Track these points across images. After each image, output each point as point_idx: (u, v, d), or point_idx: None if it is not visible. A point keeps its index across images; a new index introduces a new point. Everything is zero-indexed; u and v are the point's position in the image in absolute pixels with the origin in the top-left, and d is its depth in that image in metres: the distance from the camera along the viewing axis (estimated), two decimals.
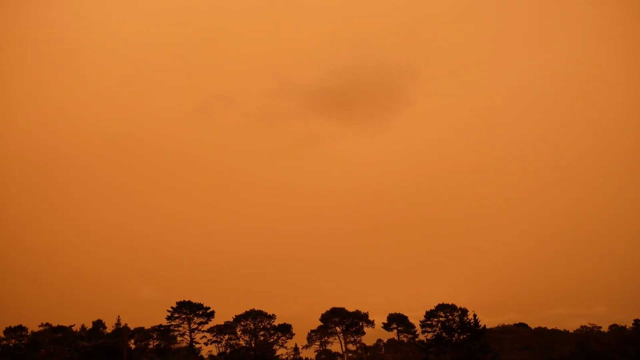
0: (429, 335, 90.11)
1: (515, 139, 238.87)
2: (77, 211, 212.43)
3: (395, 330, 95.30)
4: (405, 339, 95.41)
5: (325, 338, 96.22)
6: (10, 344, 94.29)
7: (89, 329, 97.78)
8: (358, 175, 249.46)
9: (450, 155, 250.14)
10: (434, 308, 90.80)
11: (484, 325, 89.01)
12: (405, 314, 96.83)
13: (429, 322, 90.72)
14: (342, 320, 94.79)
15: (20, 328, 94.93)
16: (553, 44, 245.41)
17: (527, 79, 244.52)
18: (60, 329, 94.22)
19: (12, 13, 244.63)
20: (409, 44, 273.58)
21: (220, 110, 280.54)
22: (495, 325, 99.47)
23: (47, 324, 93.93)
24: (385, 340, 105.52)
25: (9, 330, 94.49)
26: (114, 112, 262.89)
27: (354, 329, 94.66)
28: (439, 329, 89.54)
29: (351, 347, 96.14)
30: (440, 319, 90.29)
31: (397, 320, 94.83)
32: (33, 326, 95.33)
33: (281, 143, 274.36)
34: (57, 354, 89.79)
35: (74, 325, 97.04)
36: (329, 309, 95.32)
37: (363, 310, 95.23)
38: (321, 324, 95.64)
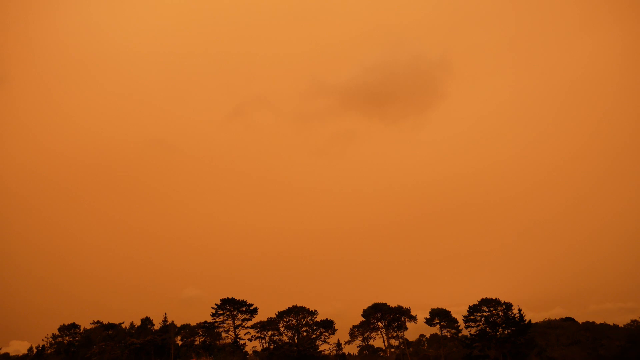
0: (473, 330, 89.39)
1: (558, 129, 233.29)
2: (122, 218, 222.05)
3: (437, 326, 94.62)
4: (448, 334, 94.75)
5: (368, 333, 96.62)
6: (65, 341, 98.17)
7: (138, 326, 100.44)
8: (395, 171, 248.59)
9: (488, 146, 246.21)
10: (477, 303, 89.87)
11: (529, 320, 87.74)
12: (447, 309, 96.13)
13: (472, 317, 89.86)
14: (383, 316, 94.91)
15: (74, 326, 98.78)
16: (595, 33, 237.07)
17: (565, 70, 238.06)
18: (111, 326, 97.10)
19: (61, 21, 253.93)
20: (442, 37, 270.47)
21: (255, 112, 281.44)
22: (541, 319, 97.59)
23: (98, 322, 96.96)
24: (427, 336, 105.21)
25: (63, 328, 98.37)
26: (151, 118, 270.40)
27: (396, 324, 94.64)
28: (483, 324, 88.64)
29: (394, 342, 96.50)
30: (484, 313, 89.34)
31: (439, 315, 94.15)
32: (85, 324, 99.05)
33: (317, 142, 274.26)
34: (108, 351, 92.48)
35: (123, 323, 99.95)
36: (370, 305, 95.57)
37: (405, 305, 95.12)
38: (363, 319, 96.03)
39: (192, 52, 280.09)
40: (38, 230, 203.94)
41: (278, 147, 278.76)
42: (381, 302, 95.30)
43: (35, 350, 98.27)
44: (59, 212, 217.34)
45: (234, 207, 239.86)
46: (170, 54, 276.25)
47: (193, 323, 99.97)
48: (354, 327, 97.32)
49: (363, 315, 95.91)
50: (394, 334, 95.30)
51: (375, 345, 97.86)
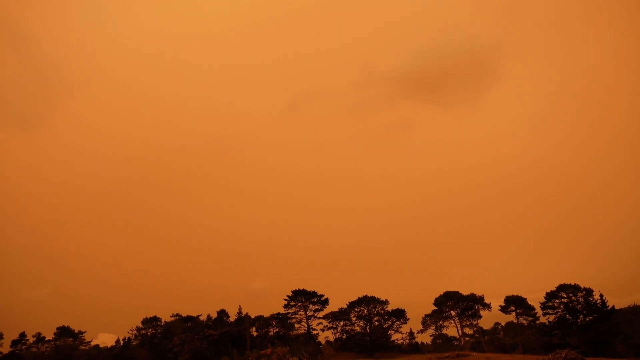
0: (551, 318, 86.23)
1: (622, 107, 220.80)
2: (190, 219, 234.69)
3: (513, 313, 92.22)
4: (525, 322, 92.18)
5: (441, 322, 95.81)
6: (148, 333, 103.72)
7: (214, 318, 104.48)
8: (453, 156, 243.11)
9: (548, 127, 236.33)
10: (554, 289, 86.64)
11: (612, 306, 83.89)
12: (523, 296, 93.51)
13: (550, 304, 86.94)
14: (456, 304, 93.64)
15: (155, 319, 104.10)
16: None
17: (626, 48, 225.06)
18: (189, 318, 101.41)
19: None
20: (494, 16, 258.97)
21: (308, 106, 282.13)
22: (625, 305, 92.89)
23: (177, 315, 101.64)
24: (503, 324, 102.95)
25: (146, 321, 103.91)
26: (209, 119, 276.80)
27: (470, 312, 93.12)
28: (562, 311, 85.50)
29: (468, 330, 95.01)
30: (563, 300, 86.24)
31: (515, 303, 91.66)
32: (166, 317, 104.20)
33: (372, 132, 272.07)
34: (188, 342, 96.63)
35: (200, 315, 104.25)
36: (442, 293, 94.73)
37: (478, 293, 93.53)
38: (435, 308, 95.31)
39: (244, 52, 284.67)
40: (119, 231, 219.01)
41: (333, 139, 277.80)
42: (452, 290, 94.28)
43: (122, 342, 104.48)
44: (137, 214, 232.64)
45: (294, 202, 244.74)
46: (223, 55, 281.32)
47: (266, 314, 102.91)
48: (426, 316, 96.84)
49: (435, 304, 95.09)
50: (468, 323, 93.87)
51: (449, 334, 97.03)
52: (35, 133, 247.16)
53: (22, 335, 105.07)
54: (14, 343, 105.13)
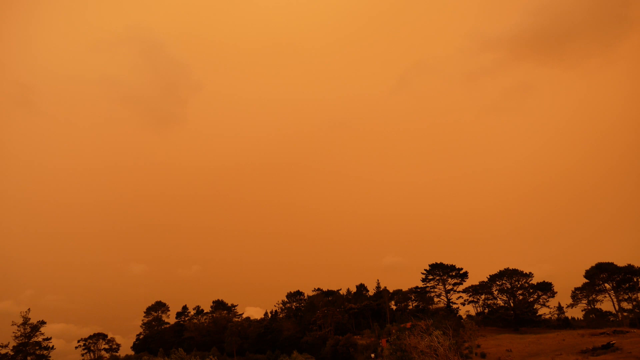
0: None
1: None
2: (323, 200, 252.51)
3: None
4: None
5: (593, 296, 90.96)
6: (293, 307, 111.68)
7: (354, 292, 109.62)
8: (587, 117, 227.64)
9: None
10: None
11: None
12: None
13: None
14: (610, 277, 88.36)
15: (299, 293, 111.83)
16: None
17: None
18: (330, 293, 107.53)
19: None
20: None
21: (419, 79, 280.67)
22: None
23: (319, 289, 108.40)
24: None
25: (290, 295, 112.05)
26: (329, 103, 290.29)
27: (627, 285, 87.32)
28: None
29: (625, 305, 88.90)
30: None
31: None
32: (308, 291, 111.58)
33: (488, 100, 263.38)
34: (330, 315, 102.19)
35: (340, 290, 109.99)
36: (593, 265, 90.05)
37: (636, 264, 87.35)
38: (586, 281, 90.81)
39: (352, 33, 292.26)
40: (260, 214, 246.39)
41: (448, 109, 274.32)
42: (606, 261, 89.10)
43: (269, 315, 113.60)
44: (277, 199, 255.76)
45: (416, 175, 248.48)
46: (332, 43, 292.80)
47: (402, 289, 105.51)
48: (576, 289, 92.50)
49: (586, 277, 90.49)
50: (626, 297, 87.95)
51: (604, 309, 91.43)
52: (170, 128, 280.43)
53: (185, 308, 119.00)
54: (178, 315, 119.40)
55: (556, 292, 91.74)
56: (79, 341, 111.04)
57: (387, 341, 76.44)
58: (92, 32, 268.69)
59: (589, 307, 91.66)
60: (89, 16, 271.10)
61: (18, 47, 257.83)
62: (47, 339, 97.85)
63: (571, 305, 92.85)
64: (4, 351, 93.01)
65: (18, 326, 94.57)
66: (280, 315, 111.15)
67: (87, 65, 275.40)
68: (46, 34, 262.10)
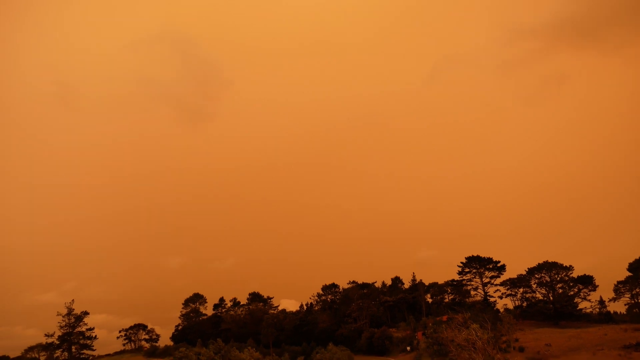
0: None
1: None
2: (357, 197, 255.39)
3: None
4: None
5: (637, 290, 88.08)
6: (328, 299, 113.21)
7: (389, 285, 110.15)
8: (628, 107, 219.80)
9: None
10: None
11: None
12: None
13: None
14: None
15: (334, 285, 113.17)
16: None
17: None
18: (365, 285, 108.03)
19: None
20: None
21: (451, 70, 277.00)
22: None
23: (354, 282, 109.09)
24: None
25: (326, 288, 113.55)
26: (358, 98, 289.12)
27: None
28: None
29: None
30: None
31: None
32: (343, 284, 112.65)
33: (523, 90, 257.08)
34: (366, 307, 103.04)
35: (375, 282, 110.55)
36: (637, 258, 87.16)
37: None
38: (630, 274, 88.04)
39: (382, 29, 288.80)
40: (296, 213, 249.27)
41: (481, 101, 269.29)
42: None
43: (305, 307, 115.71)
44: (308, 195, 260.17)
45: (449, 169, 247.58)
46: (362, 40, 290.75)
47: (438, 282, 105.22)
48: (619, 282, 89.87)
49: (629, 270, 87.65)
50: None
51: None
52: (202, 124, 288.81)
53: (221, 300, 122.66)
54: (215, 307, 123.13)
55: (597, 286, 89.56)
56: (120, 331, 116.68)
57: (423, 334, 76.96)
58: (128, 32, 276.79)
59: (632, 302, 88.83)
60: (125, 17, 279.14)
61: (57, 48, 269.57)
62: (90, 329, 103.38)
63: (613, 299, 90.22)
64: (50, 340, 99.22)
65: (63, 317, 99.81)
66: (316, 308, 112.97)
67: (124, 64, 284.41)
68: (84, 35, 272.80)
